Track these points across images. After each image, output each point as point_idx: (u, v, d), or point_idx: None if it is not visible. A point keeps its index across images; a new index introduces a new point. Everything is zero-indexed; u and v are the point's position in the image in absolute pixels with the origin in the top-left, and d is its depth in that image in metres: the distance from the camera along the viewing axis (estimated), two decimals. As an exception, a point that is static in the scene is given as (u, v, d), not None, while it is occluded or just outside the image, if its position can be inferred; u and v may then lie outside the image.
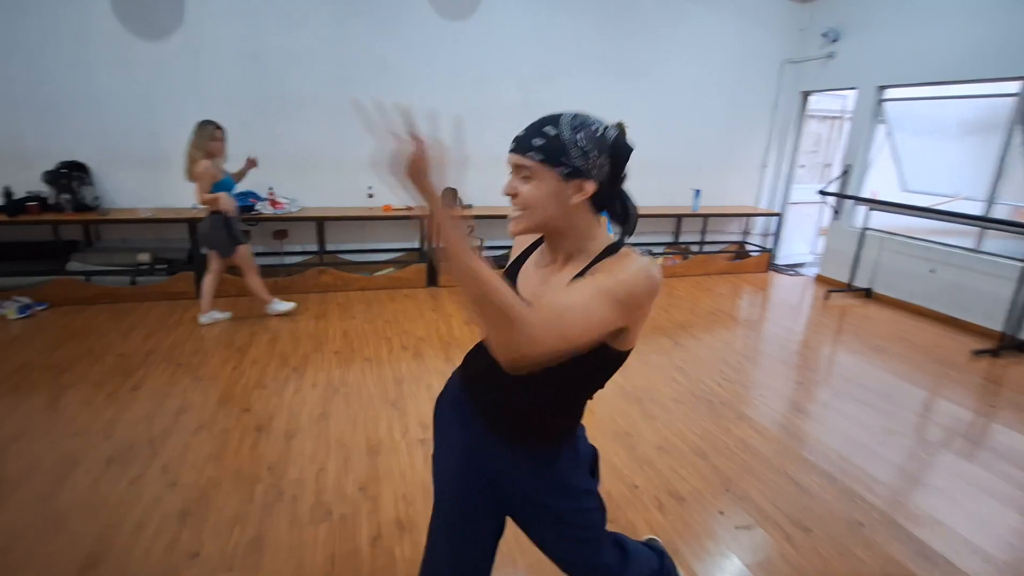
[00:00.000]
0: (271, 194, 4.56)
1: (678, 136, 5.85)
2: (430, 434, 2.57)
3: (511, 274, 1.15)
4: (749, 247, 6.47)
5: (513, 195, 1.00)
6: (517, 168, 0.99)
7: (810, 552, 1.95)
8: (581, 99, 5.23)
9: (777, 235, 6.46)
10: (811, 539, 2.01)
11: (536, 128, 0.98)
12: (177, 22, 4.17)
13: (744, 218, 6.52)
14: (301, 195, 4.70)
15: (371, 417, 2.73)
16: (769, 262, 6.28)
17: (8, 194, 3.95)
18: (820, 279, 5.89)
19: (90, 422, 2.59)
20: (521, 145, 0.97)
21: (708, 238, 6.37)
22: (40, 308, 3.95)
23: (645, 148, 5.61)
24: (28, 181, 4.04)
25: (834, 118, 6.53)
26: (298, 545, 1.89)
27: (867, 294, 5.32)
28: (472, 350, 1.21)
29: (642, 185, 5.70)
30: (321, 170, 4.76)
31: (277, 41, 4.41)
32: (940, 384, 3.45)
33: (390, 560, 1.83)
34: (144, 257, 4.33)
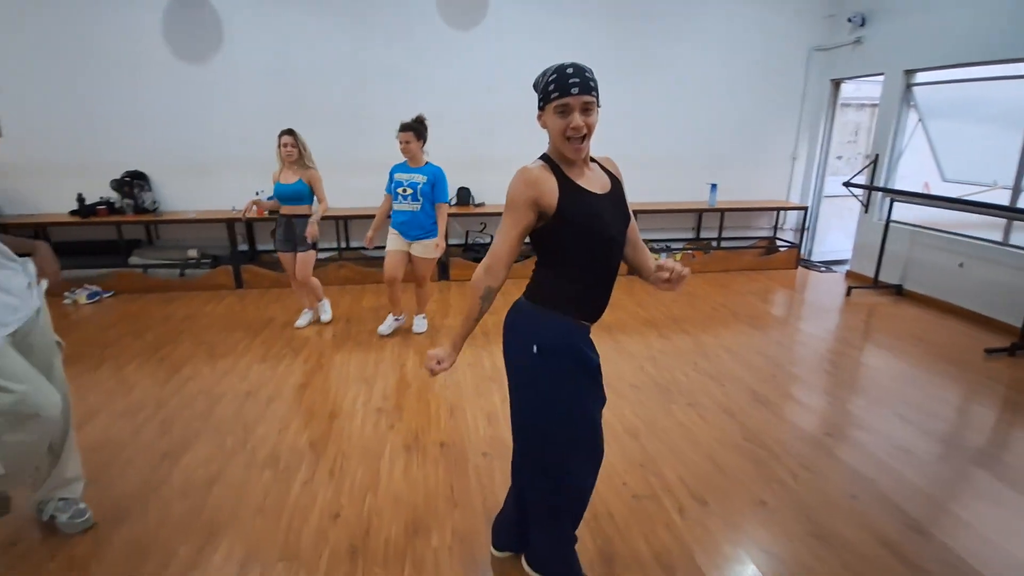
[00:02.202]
0: (298, 196, 5.07)
1: (697, 131, 5.80)
2: (388, 404, 2.87)
3: (585, 212, 1.36)
4: (780, 243, 6.25)
5: (580, 128, 1.31)
6: (585, 105, 1.31)
7: (695, 525, 2.02)
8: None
9: (808, 230, 6.20)
10: (705, 512, 2.08)
11: (585, 72, 1.31)
12: (216, 47, 4.79)
13: (774, 213, 6.31)
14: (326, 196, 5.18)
15: (342, 389, 3.06)
16: (797, 258, 6.04)
17: (81, 199, 4.72)
18: (851, 275, 5.60)
19: (117, 384, 3.12)
20: (586, 87, 1.30)
21: (735, 233, 6.23)
22: (106, 295, 4.68)
23: (661, 144, 5.72)
24: (98, 188, 4.81)
25: (873, 105, 6.17)
26: (244, 483, 2.23)
27: (897, 291, 5.02)
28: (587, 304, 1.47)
29: (659, 180, 5.77)
30: (343, 172, 5.22)
31: (302, 58, 4.93)
32: (939, 383, 3.27)
33: (311, 500, 2.13)
34: (192, 253, 4.99)
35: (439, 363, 1.46)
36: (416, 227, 3.56)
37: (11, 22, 4.55)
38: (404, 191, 3.51)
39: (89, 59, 4.69)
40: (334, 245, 5.36)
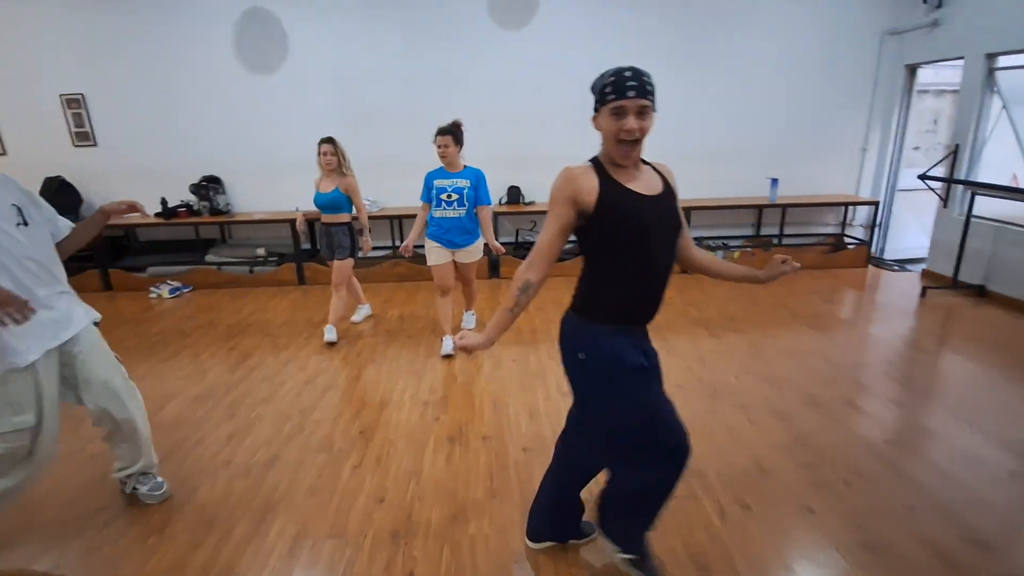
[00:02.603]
0: (355, 196, 5.31)
1: (756, 123, 5.57)
2: (435, 396, 2.98)
3: (625, 211, 1.38)
4: (848, 240, 5.91)
5: (634, 130, 1.34)
6: (641, 108, 1.33)
7: (735, 528, 1.98)
8: (641, 94, 5.28)
9: (880, 226, 5.82)
10: (747, 515, 2.03)
11: (642, 76, 1.34)
12: (283, 58, 5.10)
13: (841, 208, 5.96)
14: (381, 196, 5.41)
15: (392, 381, 3.20)
16: (867, 256, 5.69)
17: (164, 203, 5.15)
18: (927, 275, 5.22)
19: (193, 370, 3.41)
20: (643, 91, 1.33)
21: (798, 230, 5.93)
22: (186, 290, 5.09)
23: (717, 137, 5.56)
24: (179, 191, 5.23)
25: (954, 92, 5.70)
26: (299, 465, 2.39)
27: (979, 292, 4.63)
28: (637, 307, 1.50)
29: (715, 175, 5.61)
30: (397, 173, 5.41)
31: (358, 64, 5.15)
32: (1020, 392, 3.00)
33: (359, 484, 2.25)
34: (260, 251, 5.34)
35: (466, 342, 1.48)
36: (461, 233, 3.42)
37: (108, 45, 5.03)
38: (449, 197, 3.37)
39: (171, 75, 5.11)
40: (389, 244, 5.56)
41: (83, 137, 5.29)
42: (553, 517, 1.83)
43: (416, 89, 5.24)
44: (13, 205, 1.73)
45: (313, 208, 3.80)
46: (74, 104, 5.21)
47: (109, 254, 5.22)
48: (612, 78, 1.34)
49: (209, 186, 5.23)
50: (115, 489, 2.25)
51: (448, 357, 3.50)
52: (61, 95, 5.18)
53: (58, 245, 1.91)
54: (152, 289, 5.02)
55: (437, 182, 3.41)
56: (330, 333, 3.78)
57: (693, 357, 3.45)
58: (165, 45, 5.07)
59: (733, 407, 2.83)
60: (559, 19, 5.12)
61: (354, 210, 3.77)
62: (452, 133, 3.33)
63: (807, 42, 5.37)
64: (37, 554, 1.92)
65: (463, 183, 3.39)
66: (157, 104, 5.20)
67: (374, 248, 5.59)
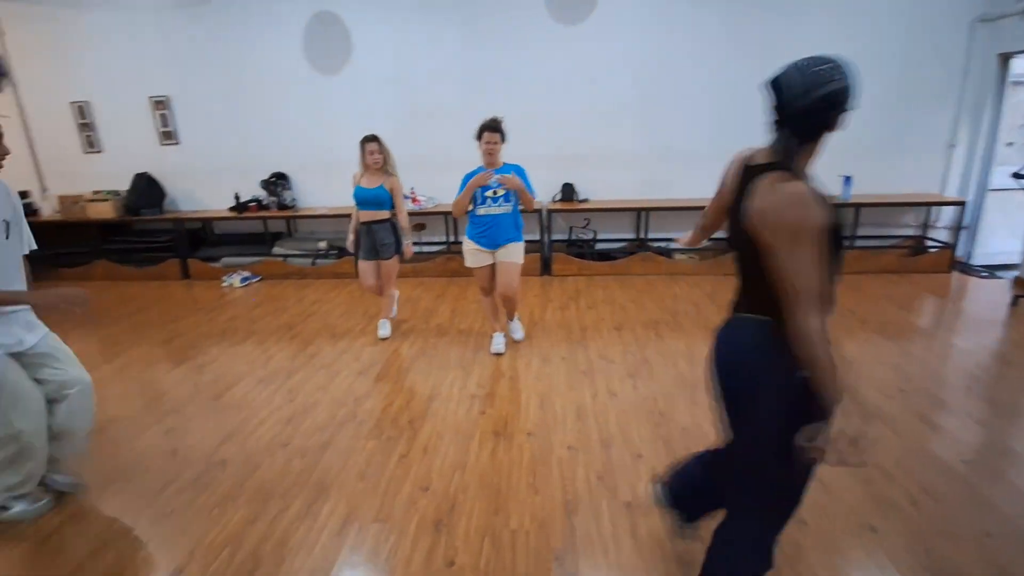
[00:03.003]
0: (412, 193, 5.45)
1: (827, 119, 5.26)
2: (482, 391, 3.02)
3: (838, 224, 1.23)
4: (930, 243, 5.49)
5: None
6: None
7: (787, 543, 1.89)
8: (703, 88, 5.11)
9: (967, 228, 5.36)
10: (802, 531, 1.93)
11: None
12: (347, 59, 5.30)
13: (923, 209, 5.54)
14: (436, 193, 5.52)
15: (442, 374, 3.26)
16: (951, 260, 5.26)
17: (237, 197, 5.48)
18: (1020, 283, 4.76)
19: (259, 355, 3.62)
20: None
21: (872, 231, 5.56)
22: (255, 280, 5.41)
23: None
24: (250, 187, 5.56)
25: (1059, 82, 5.16)
26: (351, 450, 2.49)
27: (1084, 303, 4.18)
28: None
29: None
30: (452, 170, 5.47)
31: (417, 63, 5.28)
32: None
33: (405, 472, 2.32)
34: (322, 245, 5.59)
35: (860, 444, 1.13)
36: (507, 229, 3.28)
37: (192, 50, 5.41)
38: (494, 194, 3.23)
39: (246, 77, 5.44)
40: (443, 239, 5.67)
41: (168, 136, 5.71)
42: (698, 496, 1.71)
43: (471, 86, 5.31)
44: (3, 220, 1.89)
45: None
46: (161, 105, 5.63)
47: (188, 245, 5.62)
48: (850, 92, 1.24)
49: (277, 182, 5.52)
50: (186, 459, 2.43)
51: (499, 355, 3.49)
52: (150, 97, 5.62)
53: None
54: (225, 278, 5.37)
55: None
56: (382, 329, 3.86)
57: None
58: (242, 50, 5.39)
59: (791, 416, 2.70)
60: (617, 12, 5.03)
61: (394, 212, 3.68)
62: (500, 130, 3.20)
63: (886, 30, 5.02)
64: (117, 511, 2.11)
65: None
66: (233, 105, 5.54)
67: (428, 243, 5.76)
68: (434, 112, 5.39)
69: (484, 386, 3.11)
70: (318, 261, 5.54)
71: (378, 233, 3.63)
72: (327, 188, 5.65)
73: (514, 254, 3.35)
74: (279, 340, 3.90)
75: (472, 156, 5.26)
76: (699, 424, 2.63)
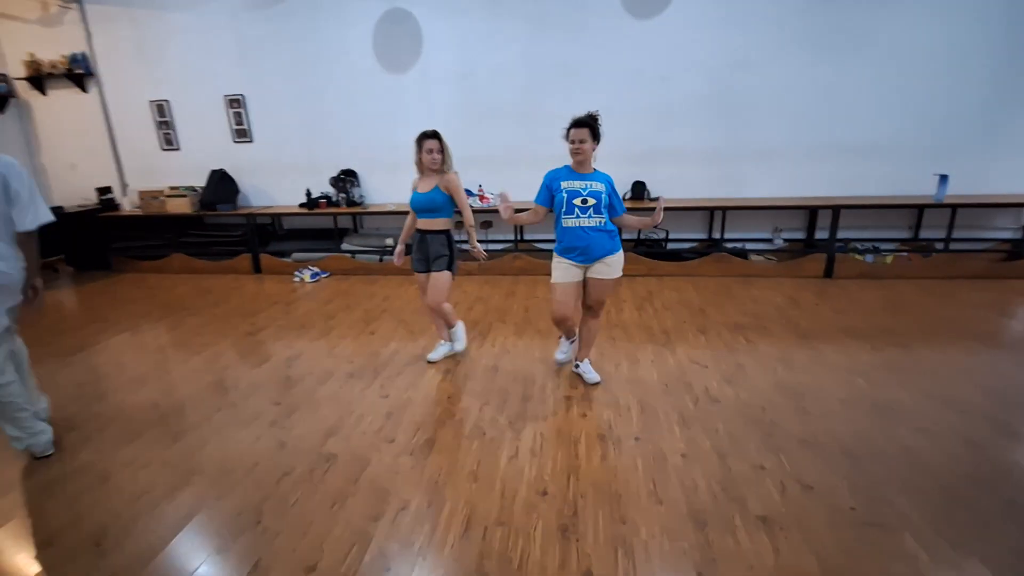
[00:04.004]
0: (480, 190, 5.43)
1: (915, 114, 4.99)
2: (574, 392, 2.96)
3: None
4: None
5: None
6: None
7: (945, 567, 1.77)
8: (784, 84, 4.93)
9: (1068, 234, 5.02)
10: (959, 553, 1.81)
11: None
12: (415, 57, 5.31)
13: (1022, 210, 5.20)
14: (503, 190, 5.47)
15: (530, 373, 3.22)
16: (1049, 267, 4.93)
17: (308, 194, 5.57)
18: None
19: (342, 350, 3.65)
20: None
21: (962, 233, 5.24)
22: (324, 275, 5.48)
23: (866, 130, 5.08)
24: (319, 184, 5.64)
25: None
26: (456, 450, 2.47)
27: None
28: None
29: (863, 172, 5.10)
30: (519, 167, 5.47)
31: (484, 59, 5.27)
32: None
33: (518, 474, 2.28)
34: (389, 241, 5.62)
35: None
36: (603, 244, 2.80)
37: (265, 49, 5.52)
38: (584, 202, 2.74)
39: (317, 75, 5.52)
40: (510, 237, 5.64)
41: (242, 134, 5.85)
42: None
43: (538, 82, 5.26)
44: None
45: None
46: (235, 104, 5.76)
47: (259, 240, 5.74)
48: None
49: (346, 179, 5.58)
50: (295, 451, 2.45)
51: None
52: (225, 95, 5.75)
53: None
54: (296, 273, 5.46)
55: (567, 184, 2.76)
56: (436, 353, 3.41)
57: (854, 371, 3.15)
58: (313, 49, 5.47)
59: (910, 430, 2.55)
60: (695, 6, 4.90)
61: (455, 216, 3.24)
62: (589, 126, 2.73)
63: (984, 20, 4.73)
64: (240, 503, 2.13)
65: (599, 186, 2.77)
66: (304, 103, 5.63)
67: (494, 241, 5.73)
68: (499, 109, 5.37)
69: (577, 386, 3.05)
70: (385, 257, 5.58)
71: (431, 244, 3.19)
72: (394, 185, 5.69)
73: (614, 268, 2.86)
74: (358, 335, 3.93)
75: (537, 153, 5.12)
76: (815, 436, 2.51)
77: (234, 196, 5.82)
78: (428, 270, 3.25)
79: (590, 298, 2.95)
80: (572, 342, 3.25)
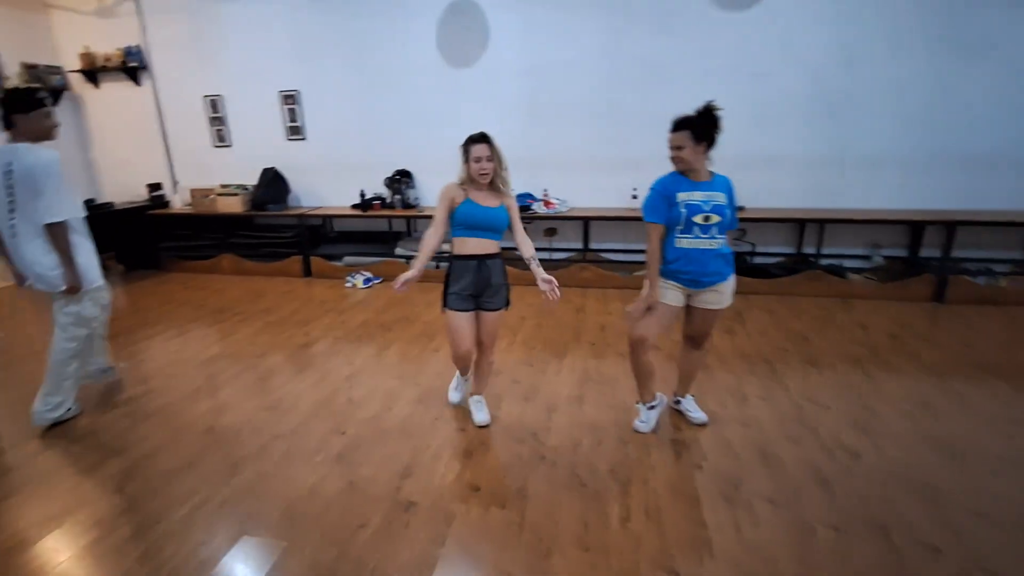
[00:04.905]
0: (545, 195, 5.06)
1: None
2: (680, 435, 2.56)
3: None
4: None
5: None
6: None
7: None
8: (893, 84, 4.40)
9: None
10: None
11: None
12: (482, 50, 4.98)
13: None
14: (569, 196, 5.10)
15: (619, 407, 2.83)
16: None
17: (363, 195, 5.30)
18: None
19: (405, 367, 3.32)
20: None
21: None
22: (376, 281, 5.20)
23: (988, 137, 4.45)
24: (374, 185, 5.36)
25: None
26: (555, 503, 2.10)
27: None
28: None
29: (982, 184, 4.48)
30: (587, 171, 5.08)
31: (551, 55, 4.89)
32: None
33: (635, 545, 1.89)
34: (446, 247, 5.29)
35: None
36: (714, 263, 2.36)
37: (322, 43, 5.28)
38: (707, 219, 2.27)
39: (374, 71, 5.24)
40: (578, 246, 5.25)
41: (295, 131, 5.63)
42: None
43: (614, 80, 4.84)
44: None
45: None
46: (289, 100, 5.55)
47: (309, 242, 5.50)
48: None
49: (401, 180, 5.29)
50: (367, 496, 2.12)
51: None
52: (280, 91, 5.54)
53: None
54: (348, 278, 5.19)
55: (684, 196, 2.28)
56: (479, 412, 2.72)
57: (1009, 419, 2.66)
58: (371, 43, 5.19)
59: (1113, 505, 2.06)
60: (794, -2, 4.42)
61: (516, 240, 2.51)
62: (690, 127, 2.22)
63: None
64: (308, 566, 1.81)
65: (720, 198, 2.30)
66: (360, 100, 5.37)
67: (558, 250, 5.33)
68: (568, 108, 4.98)
69: (680, 427, 2.64)
70: (442, 264, 5.26)
71: (493, 271, 2.45)
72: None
73: (726, 295, 2.45)
74: (421, 353, 3.60)
75: (610, 155, 4.64)
76: (987, 506, 2.04)
77: (285, 196, 5.61)
78: (476, 308, 2.51)
79: (694, 328, 2.57)
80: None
